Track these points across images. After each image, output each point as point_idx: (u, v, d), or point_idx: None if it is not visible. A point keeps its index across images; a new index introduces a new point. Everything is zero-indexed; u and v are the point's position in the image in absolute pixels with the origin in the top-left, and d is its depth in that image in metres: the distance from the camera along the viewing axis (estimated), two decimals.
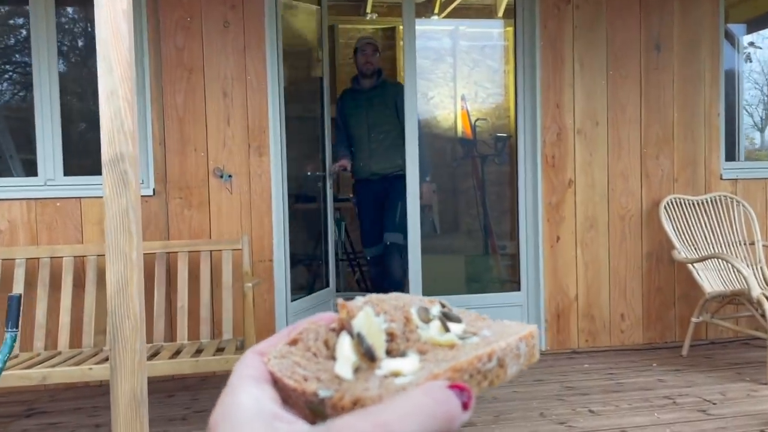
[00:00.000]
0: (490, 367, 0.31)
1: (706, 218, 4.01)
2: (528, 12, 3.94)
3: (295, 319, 3.71)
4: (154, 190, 3.49)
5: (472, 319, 0.36)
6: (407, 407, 0.27)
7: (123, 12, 1.87)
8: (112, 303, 2.00)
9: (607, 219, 4.00)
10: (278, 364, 0.33)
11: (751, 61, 4.68)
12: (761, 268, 3.87)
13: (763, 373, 3.34)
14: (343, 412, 0.29)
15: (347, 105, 4.57)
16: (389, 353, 0.33)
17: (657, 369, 3.55)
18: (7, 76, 3.86)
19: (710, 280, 3.72)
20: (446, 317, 0.35)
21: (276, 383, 0.32)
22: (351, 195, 5.11)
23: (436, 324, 0.34)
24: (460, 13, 5.02)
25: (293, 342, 0.35)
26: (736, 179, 4.16)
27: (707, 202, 4.04)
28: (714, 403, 2.97)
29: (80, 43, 3.95)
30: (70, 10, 3.86)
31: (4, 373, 2.40)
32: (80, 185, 3.45)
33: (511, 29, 4.25)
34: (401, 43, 4.36)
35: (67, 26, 3.83)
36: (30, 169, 3.56)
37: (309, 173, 4.24)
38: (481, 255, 4.83)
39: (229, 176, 3.54)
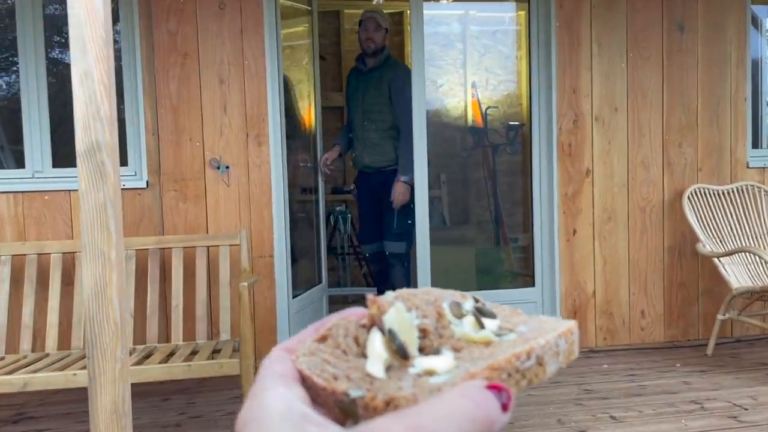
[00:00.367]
0: (528, 366, 0.29)
1: (731, 209, 3.79)
2: None
3: (296, 317, 3.53)
4: (147, 182, 3.31)
5: (507, 314, 0.35)
6: (445, 410, 0.26)
7: None
8: (89, 307, 1.82)
9: (627, 210, 3.78)
10: (307, 362, 0.32)
11: None
12: None
13: None
14: (375, 413, 0.28)
15: (350, 86, 4.16)
16: (422, 351, 0.32)
17: (681, 370, 3.34)
18: None
19: (737, 274, 3.50)
20: (480, 312, 0.34)
21: (304, 382, 0.31)
22: (353, 187, 4.85)
23: (469, 320, 0.33)
24: None
25: (322, 339, 0.34)
26: (763, 167, 3.94)
27: (733, 191, 3.82)
28: (745, 409, 2.77)
29: (68, 32, 3.76)
30: None
31: None
32: (70, 177, 3.26)
33: (523, 13, 4.01)
34: (409, 28, 4.12)
35: (54, 15, 3.64)
36: (19, 160, 3.40)
37: (301, 164, 3.99)
38: (492, 247, 4.62)
39: (227, 167, 3.36)
